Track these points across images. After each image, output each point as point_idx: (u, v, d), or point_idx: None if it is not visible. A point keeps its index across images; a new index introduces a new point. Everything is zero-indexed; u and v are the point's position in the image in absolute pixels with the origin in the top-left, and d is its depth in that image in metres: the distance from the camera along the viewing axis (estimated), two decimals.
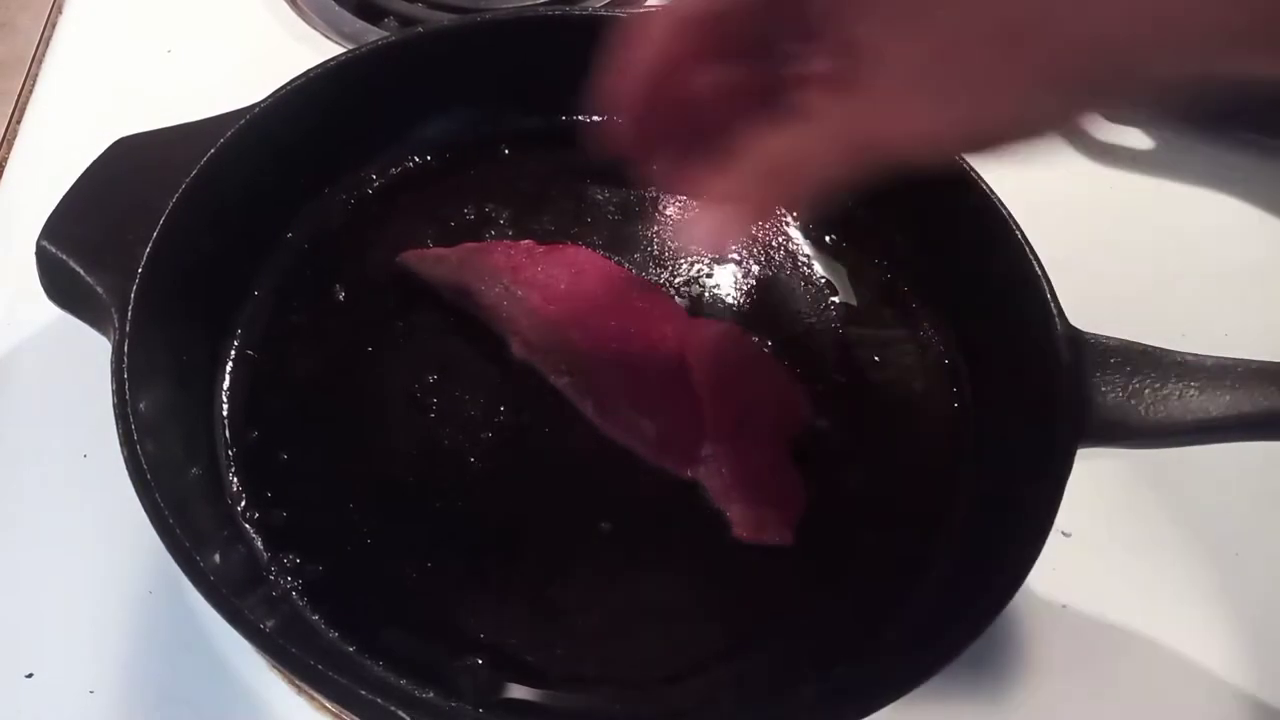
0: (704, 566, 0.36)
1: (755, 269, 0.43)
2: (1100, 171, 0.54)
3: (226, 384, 0.38)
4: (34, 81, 0.51)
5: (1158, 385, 0.35)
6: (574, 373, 0.38)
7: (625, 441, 0.37)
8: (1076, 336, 0.35)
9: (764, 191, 0.28)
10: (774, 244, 0.44)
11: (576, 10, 0.53)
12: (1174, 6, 0.21)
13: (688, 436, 0.36)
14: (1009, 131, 0.24)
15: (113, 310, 0.33)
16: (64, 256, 0.34)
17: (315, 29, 0.54)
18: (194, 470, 0.35)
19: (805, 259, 0.44)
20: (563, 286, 0.38)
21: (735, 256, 0.43)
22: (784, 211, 0.45)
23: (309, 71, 0.39)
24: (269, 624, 0.29)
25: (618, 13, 0.44)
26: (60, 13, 0.53)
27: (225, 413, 0.37)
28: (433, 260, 0.40)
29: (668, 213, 0.44)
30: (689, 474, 0.37)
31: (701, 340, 0.37)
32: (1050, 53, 0.22)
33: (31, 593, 0.37)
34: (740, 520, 0.36)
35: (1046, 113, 0.24)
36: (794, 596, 0.36)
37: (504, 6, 0.56)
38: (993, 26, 0.23)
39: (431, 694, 0.33)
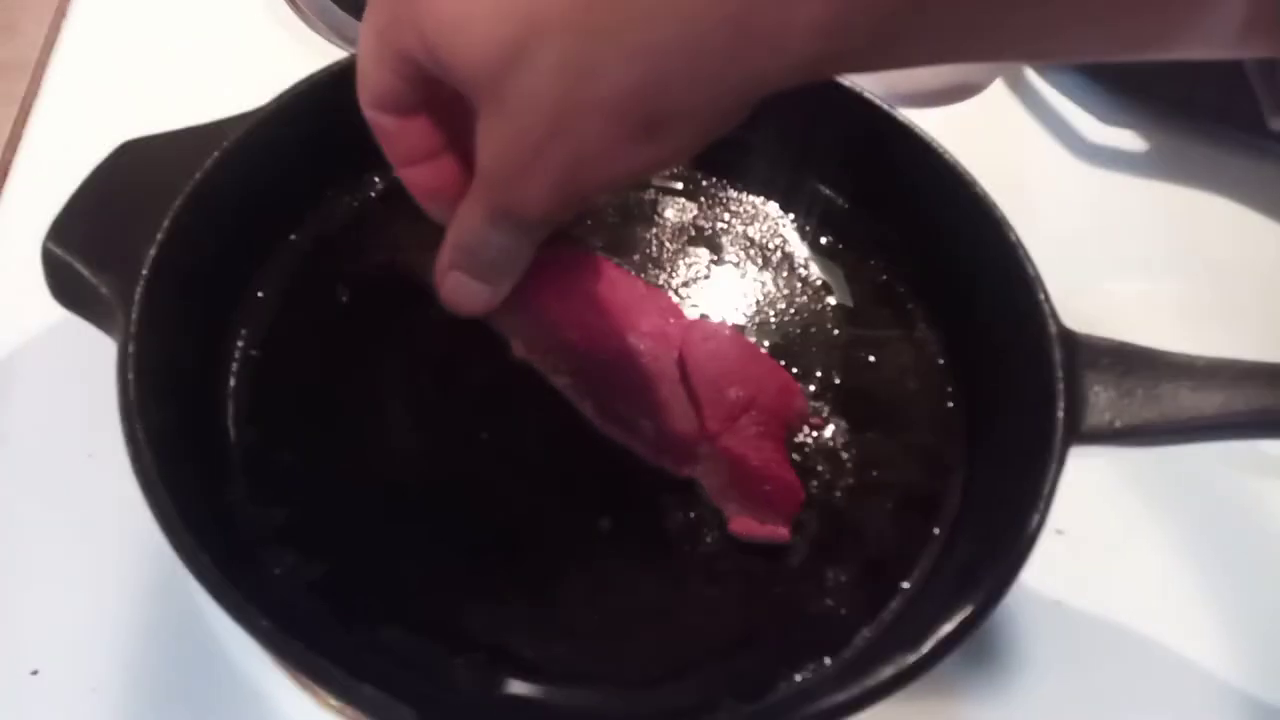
0: (703, 564, 0.36)
1: (752, 270, 0.43)
2: (1094, 173, 0.54)
3: (231, 384, 0.38)
4: (39, 84, 0.51)
5: (1151, 384, 0.35)
6: (573, 373, 0.38)
7: (624, 441, 0.37)
8: (1070, 336, 0.36)
9: (459, 264, 0.30)
10: (771, 245, 0.44)
11: None
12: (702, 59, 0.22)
13: (685, 435, 0.36)
14: (620, 181, 0.26)
15: (118, 311, 0.33)
16: (69, 258, 0.34)
17: (319, 34, 0.54)
18: (198, 469, 0.35)
19: (802, 260, 0.44)
20: (562, 287, 0.38)
21: (732, 258, 0.44)
22: (781, 213, 0.45)
23: (312, 75, 0.40)
24: (271, 620, 0.29)
25: None
26: (65, 16, 0.54)
27: (229, 412, 0.38)
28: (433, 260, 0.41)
29: (666, 214, 0.45)
30: (686, 473, 0.37)
31: (698, 339, 0.37)
32: (624, 111, 0.23)
33: (36, 591, 0.38)
34: (737, 518, 0.36)
35: (652, 157, 0.24)
36: (791, 594, 0.36)
37: None
38: (552, 100, 0.23)
39: (432, 690, 0.33)
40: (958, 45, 0.23)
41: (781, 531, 0.36)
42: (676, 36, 0.22)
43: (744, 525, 0.36)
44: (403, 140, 0.30)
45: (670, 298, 0.40)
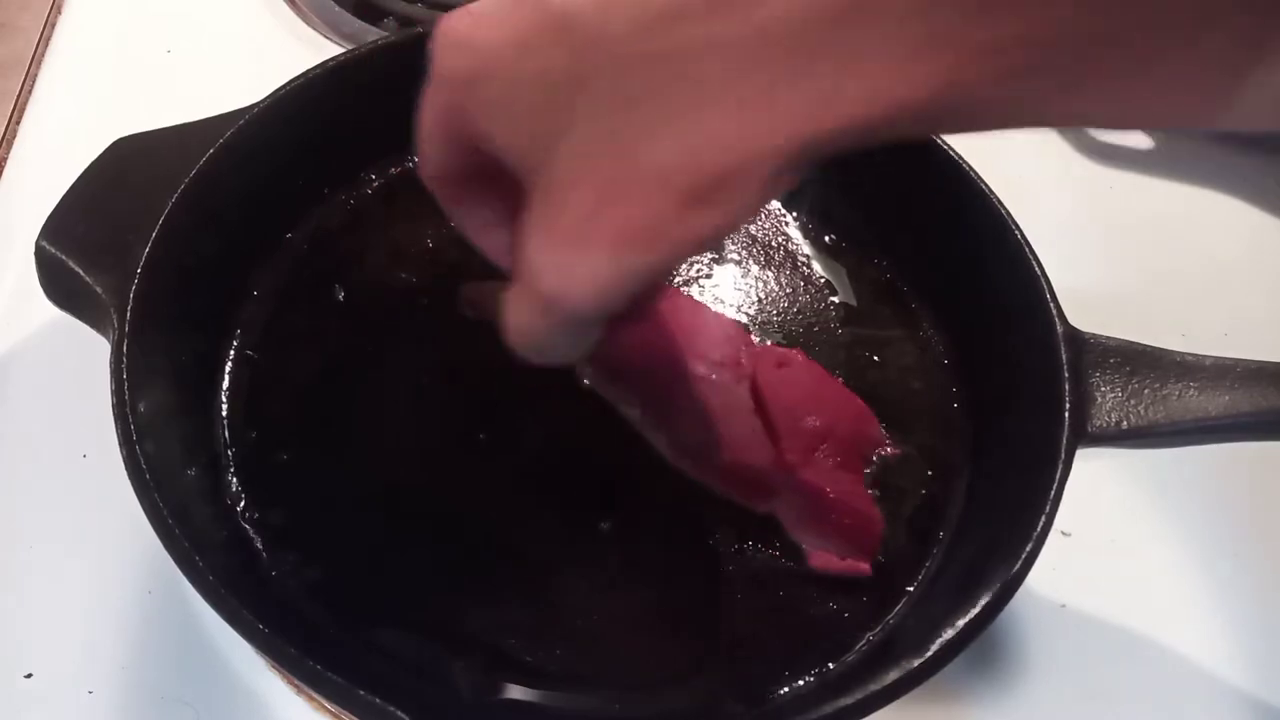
0: (704, 567, 0.36)
1: (755, 269, 0.43)
2: (1100, 171, 0.54)
3: (226, 384, 0.38)
4: (33, 81, 0.51)
5: (1157, 385, 0.35)
6: (644, 405, 0.36)
7: (698, 476, 0.36)
8: (1076, 336, 0.35)
9: (518, 348, 0.28)
10: (774, 244, 0.44)
11: None
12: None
13: (762, 468, 0.35)
14: (670, 259, 0.24)
15: (112, 310, 0.33)
16: (63, 256, 0.34)
17: (315, 29, 0.54)
18: (193, 470, 0.35)
19: (805, 259, 0.44)
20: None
21: (735, 256, 0.43)
22: (783, 211, 0.45)
23: (308, 72, 0.39)
24: (268, 624, 0.29)
25: None
26: (60, 13, 0.53)
27: (225, 413, 0.37)
28: (493, 291, 0.38)
29: None
30: (764, 508, 0.36)
31: (771, 366, 0.36)
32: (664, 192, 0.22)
33: (31, 593, 0.37)
34: (815, 552, 0.35)
35: (701, 227, 0.23)
36: (794, 597, 0.36)
37: None
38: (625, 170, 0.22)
39: (430, 693, 0.33)
40: (1017, 118, 0.22)
41: (862, 566, 0.35)
42: (714, 102, 0.21)
43: (823, 560, 0.35)
44: (468, 207, 0.29)
45: (737, 323, 0.39)
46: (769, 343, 0.41)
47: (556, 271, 0.25)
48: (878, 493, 0.37)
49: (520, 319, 0.27)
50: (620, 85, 0.22)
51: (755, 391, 0.35)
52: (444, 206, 0.29)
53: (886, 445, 0.38)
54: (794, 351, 0.38)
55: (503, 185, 0.27)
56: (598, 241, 0.24)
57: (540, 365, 0.29)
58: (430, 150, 0.28)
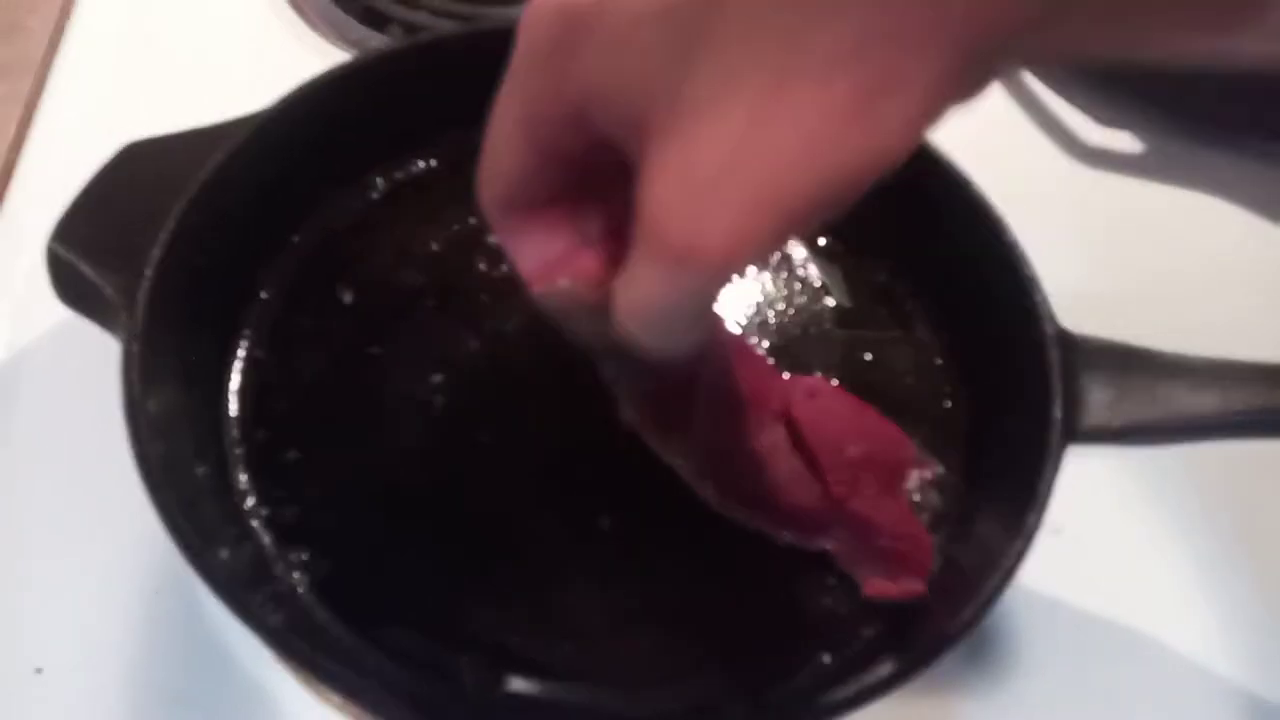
0: (704, 563, 0.36)
1: (751, 271, 0.44)
2: (1091, 175, 0.54)
3: (235, 384, 0.38)
4: (43, 85, 0.51)
5: (1148, 385, 0.35)
6: (692, 453, 0.35)
7: (751, 523, 0.35)
8: (1067, 337, 0.36)
9: (632, 334, 0.25)
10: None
11: None
12: None
13: (812, 506, 0.35)
14: (823, 188, 0.21)
15: (122, 311, 0.34)
16: (74, 258, 0.35)
17: (322, 35, 0.55)
18: (202, 469, 0.35)
19: (800, 261, 0.44)
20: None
21: None
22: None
23: (315, 77, 0.40)
24: (276, 620, 0.30)
25: None
26: (69, 17, 0.54)
27: (234, 412, 0.38)
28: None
29: None
30: (818, 545, 0.35)
31: (803, 398, 0.35)
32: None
33: (41, 590, 0.38)
34: (870, 580, 0.35)
35: (862, 146, 0.21)
36: (791, 594, 0.36)
37: (508, 14, 0.56)
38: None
39: (436, 689, 0.33)
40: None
41: (916, 588, 0.34)
42: None
43: (878, 588, 0.34)
44: (537, 237, 0.27)
45: (760, 350, 0.37)
46: (765, 344, 0.41)
47: (694, 219, 0.21)
48: None
49: (642, 288, 0.24)
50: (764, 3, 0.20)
51: (792, 427, 0.35)
52: (498, 233, 0.27)
53: (925, 466, 0.38)
54: (820, 379, 0.38)
55: (574, 209, 0.26)
56: (740, 181, 0.21)
57: (655, 360, 0.26)
58: (508, 156, 0.25)
